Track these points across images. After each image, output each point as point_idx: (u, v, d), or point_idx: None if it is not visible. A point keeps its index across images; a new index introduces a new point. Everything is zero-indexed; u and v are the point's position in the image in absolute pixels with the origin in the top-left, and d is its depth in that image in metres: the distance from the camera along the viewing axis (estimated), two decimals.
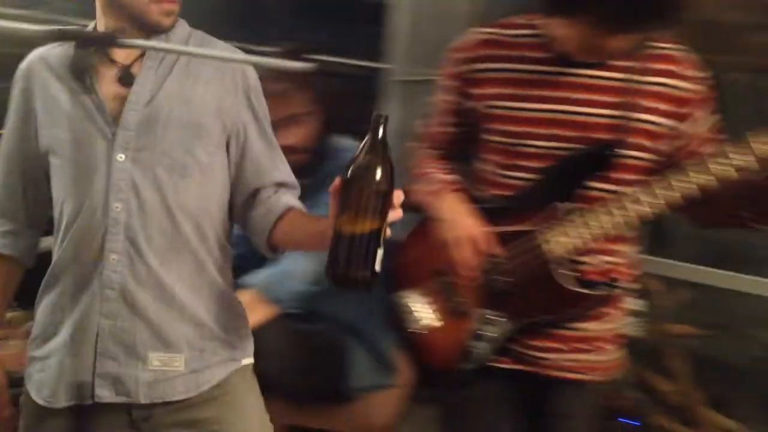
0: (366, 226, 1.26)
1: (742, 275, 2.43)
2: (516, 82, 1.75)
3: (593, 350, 1.82)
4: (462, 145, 1.91)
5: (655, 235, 2.79)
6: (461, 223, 1.76)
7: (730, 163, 1.57)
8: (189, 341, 1.62)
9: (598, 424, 2.56)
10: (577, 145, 1.71)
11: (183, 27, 1.67)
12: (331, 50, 3.06)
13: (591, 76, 1.71)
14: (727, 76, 2.66)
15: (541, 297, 1.75)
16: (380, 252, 1.29)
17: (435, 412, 2.01)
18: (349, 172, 1.28)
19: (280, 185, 1.70)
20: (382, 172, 1.27)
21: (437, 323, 1.86)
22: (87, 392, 1.58)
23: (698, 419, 2.70)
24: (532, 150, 1.74)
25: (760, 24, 2.80)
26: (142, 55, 1.61)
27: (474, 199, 1.82)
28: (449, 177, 1.87)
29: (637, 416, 2.68)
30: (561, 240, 1.71)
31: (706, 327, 2.70)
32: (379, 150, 1.27)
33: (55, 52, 1.63)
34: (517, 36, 1.77)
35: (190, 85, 1.61)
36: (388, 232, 1.30)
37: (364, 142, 1.29)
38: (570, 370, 1.82)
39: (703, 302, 2.67)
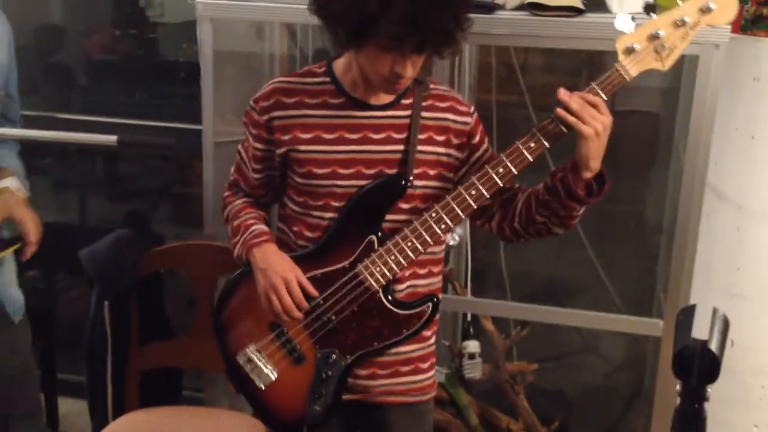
0: None
1: (566, 309, 2.52)
2: (316, 126, 1.84)
3: (411, 372, 1.97)
4: (272, 189, 1.98)
5: (482, 277, 2.87)
6: (278, 269, 1.83)
7: (504, 164, 1.76)
8: None
9: None
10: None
11: None
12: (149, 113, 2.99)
13: (385, 117, 1.85)
14: (512, 112, 2.82)
15: (374, 326, 1.86)
16: None
17: None
18: None
19: None
20: None
21: (279, 374, 1.90)
22: None
23: None
24: (339, 190, 1.84)
25: (543, 66, 2.99)
26: None
27: (290, 246, 1.91)
28: (263, 227, 1.93)
29: None
30: (381, 268, 1.82)
31: (541, 361, 2.77)
32: None
33: None
34: (313, 84, 1.87)
35: None
36: None
37: None
38: (393, 393, 1.96)
39: (536, 337, 2.75)
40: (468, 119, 1.90)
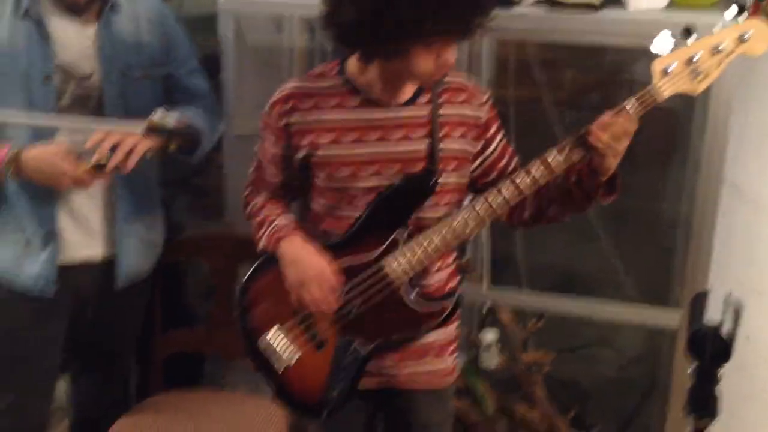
0: None
1: (585, 300, 2.55)
2: (334, 129, 1.86)
3: (435, 358, 2.01)
4: (293, 190, 2.01)
5: (501, 267, 2.89)
6: (309, 263, 1.86)
7: (532, 175, 1.79)
8: None
9: None
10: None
11: None
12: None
13: (403, 116, 1.86)
14: (530, 108, 2.83)
15: (394, 319, 1.90)
16: None
17: None
18: None
19: None
20: None
21: (300, 358, 1.95)
22: None
23: None
24: (362, 188, 1.86)
25: (561, 62, 3.00)
26: None
27: (317, 237, 1.92)
28: (289, 219, 1.95)
29: None
30: (404, 265, 1.84)
31: (557, 351, 2.80)
32: None
33: None
34: (329, 87, 1.88)
35: None
36: None
37: None
38: (418, 379, 1.99)
39: (552, 328, 2.77)
40: (483, 112, 1.93)
